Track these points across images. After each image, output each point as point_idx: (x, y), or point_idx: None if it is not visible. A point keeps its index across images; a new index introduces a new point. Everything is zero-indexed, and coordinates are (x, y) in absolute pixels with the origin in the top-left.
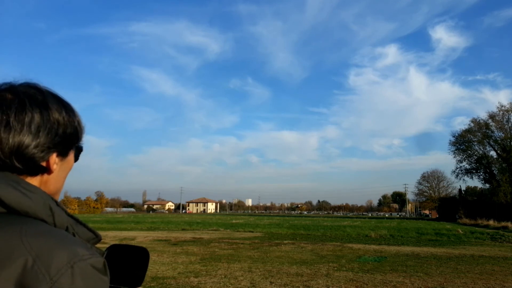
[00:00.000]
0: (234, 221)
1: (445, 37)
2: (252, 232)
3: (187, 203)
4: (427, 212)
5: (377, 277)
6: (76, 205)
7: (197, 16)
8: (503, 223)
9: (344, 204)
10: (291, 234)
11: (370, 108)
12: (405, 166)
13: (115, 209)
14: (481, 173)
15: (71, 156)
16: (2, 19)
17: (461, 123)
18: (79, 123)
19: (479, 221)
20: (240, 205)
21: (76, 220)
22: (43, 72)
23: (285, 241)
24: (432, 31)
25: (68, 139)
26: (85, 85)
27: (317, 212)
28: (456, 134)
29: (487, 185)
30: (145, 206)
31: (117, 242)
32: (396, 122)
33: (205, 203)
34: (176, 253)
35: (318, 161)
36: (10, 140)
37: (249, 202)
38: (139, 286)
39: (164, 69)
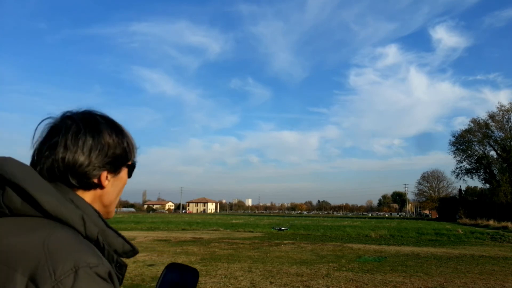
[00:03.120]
0: (234, 221)
1: (446, 37)
2: (252, 232)
3: (187, 203)
4: (427, 212)
5: (377, 277)
6: None
7: (197, 16)
8: (503, 223)
9: (344, 204)
10: (291, 234)
11: (371, 108)
12: (405, 166)
13: (115, 209)
14: (481, 173)
15: (124, 173)
16: (3, 19)
17: (461, 123)
18: (128, 144)
19: (479, 221)
20: (240, 205)
21: (116, 233)
22: (44, 72)
23: (285, 241)
24: (432, 31)
25: (117, 158)
26: (85, 85)
27: (317, 212)
28: (456, 134)
29: (487, 185)
30: (145, 206)
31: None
32: (396, 122)
33: (205, 203)
34: (176, 253)
35: (318, 161)
36: (66, 159)
37: (249, 202)
38: None
39: (164, 69)
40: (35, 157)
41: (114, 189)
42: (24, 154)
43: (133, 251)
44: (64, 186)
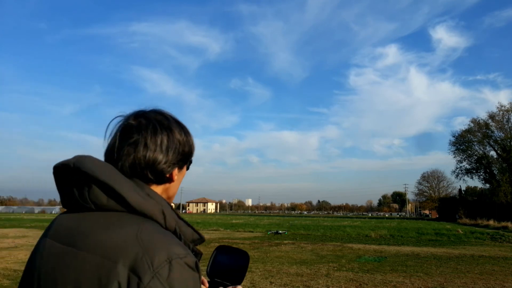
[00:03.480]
0: (234, 221)
1: (446, 37)
2: (252, 232)
3: (187, 203)
4: (427, 212)
5: (377, 277)
6: None
7: (197, 16)
8: (503, 223)
9: (344, 204)
10: (291, 234)
11: (371, 108)
12: (405, 166)
13: None
14: (481, 173)
15: (185, 168)
16: (3, 19)
17: (461, 123)
18: (192, 142)
19: (479, 221)
20: (240, 205)
21: (185, 223)
22: (44, 72)
23: (285, 241)
24: (432, 31)
25: (186, 155)
26: (86, 85)
27: (317, 212)
28: (456, 134)
29: (487, 185)
30: None
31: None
32: (396, 122)
33: (205, 203)
34: None
35: (318, 161)
36: (147, 157)
37: (249, 202)
38: (239, 284)
39: (164, 69)
40: (116, 155)
41: (178, 182)
42: (23, 154)
43: (200, 239)
44: (140, 181)
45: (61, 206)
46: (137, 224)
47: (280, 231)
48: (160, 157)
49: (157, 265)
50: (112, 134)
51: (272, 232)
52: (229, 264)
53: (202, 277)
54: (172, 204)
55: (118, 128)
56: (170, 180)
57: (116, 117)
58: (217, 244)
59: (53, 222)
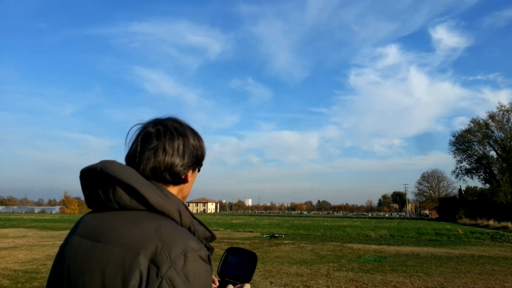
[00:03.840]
0: (234, 221)
1: (446, 37)
2: (252, 232)
3: (187, 203)
4: (427, 212)
5: (377, 277)
6: (76, 205)
7: (198, 16)
8: (503, 223)
9: (344, 204)
10: (291, 234)
11: (371, 108)
12: (405, 166)
13: None
14: (481, 173)
15: (197, 170)
16: (3, 19)
17: (462, 123)
18: (204, 146)
19: (479, 221)
20: (240, 205)
21: (198, 221)
22: (44, 72)
23: (285, 241)
24: (432, 31)
25: (199, 159)
26: (86, 85)
27: (317, 212)
28: (456, 134)
29: (487, 185)
30: None
31: None
32: (396, 122)
33: (205, 203)
34: None
35: (318, 161)
36: (166, 161)
37: (249, 202)
38: (248, 282)
39: (165, 69)
40: (137, 159)
41: (191, 183)
42: (23, 154)
43: (212, 237)
44: (158, 183)
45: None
46: (157, 221)
47: (277, 234)
48: (177, 160)
49: (174, 256)
50: (133, 141)
51: (267, 236)
52: (238, 264)
53: (213, 276)
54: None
55: (138, 135)
56: (185, 181)
57: (135, 125)
58: (217, 244)
59: (80, 221)
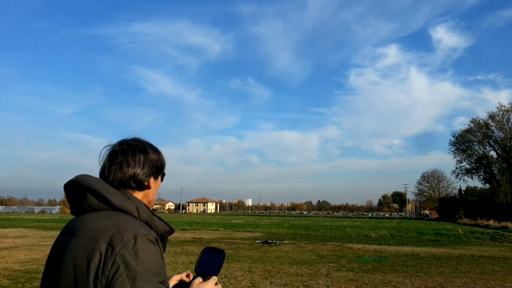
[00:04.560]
0: (234, 221)
1: (446, 37)
2: (252, 232)
3: (187, 203)
4: (427, 212)
5: (377, 277)
6: None
7: (198, 16)
8: (503, 223)
9: (344, 204)
10: (291, 234)
11: (371, 108)
12: (405, 166)
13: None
14: (481, 173)
15: (159, 178)
16: (3, 19)
17: (462, 123)
18: (163, 159)
19: (479, 221)
20: (240, 205)
21: (159, 218)
22: (44, 72)
23: (285, 241)
24: (433, 32)
25: (158, 168)
26: (86, 85)
27: (317, 212)
28: (456, 134)
29: (487, 185)
30: None
31: None
32: (396, 122)
33: (205, 203)
34: (176, 253)
35: (318, 161)
36: (129, 172)
37: (249, 202)
38: (215, 275)
39: (165, 70)
40: (106, 172)
41: (154, 189)
42: (22, 154)
43: (171, 230)
44: (124, 190)
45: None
46: (117, 216)
47: (270, 241)
48: (139, 170)
49: (126, 239)
50: (103, 158)
51: (260, 242)
52: (211, 261)
53: (188, 271)
54: (156, 207)
55: (106, 153)
56: (148, 187)
57: (105, 146)
58: (217, 244)
59: (65, 225)
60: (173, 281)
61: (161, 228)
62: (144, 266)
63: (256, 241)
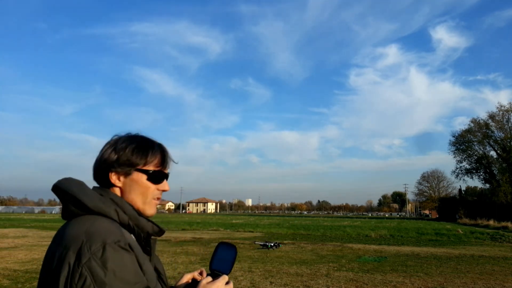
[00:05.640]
0: (234, 221)
1: (446, 38)
2: (252, 232)
3: (187, 203)
4: (427, 212)
5: (377, 277)
6: None
7: (198, 17)
8: (503, 223)
9: (344, 204)
10: (291, 234)
11: (371, 108)
12: (405, 166)
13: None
14: (481, 173)
15: (138, 177)
16: (3, 19)
17: (462, 123)
18: (132, 151)
19: (479, 221)
20: (240, 205)
21: (147, 220)
22: (44, 72)
23: (285, 241)
24: (433, 32)
25: (120, 164)
26: (86, 85)
27: (317, 212)
28: (456, 134)
29: (487, 185)
30: None
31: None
32: (396, 122)
33: (205, 203)
34: (176, 253)
35: (318, 161)
36: (94, 167)
37: (249, 202)
38: (227, 274)
39: (165, 70)
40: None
41: (128, 188)
42: (22, 154)
43: (160, 231)
44: (106, 190)
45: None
46: (92, 221)
47: (270, 243)
48: (98, 165)
49: (93, 248)
50: None
51: (259, 244)
52: (225, 257)
53: (202, 269)
54: (154, 210)
55: None
56: (113, 184)
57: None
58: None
59: None
60: (185, 279)
61: (149, 229)
62: (114, 277)
63: (255, 242)
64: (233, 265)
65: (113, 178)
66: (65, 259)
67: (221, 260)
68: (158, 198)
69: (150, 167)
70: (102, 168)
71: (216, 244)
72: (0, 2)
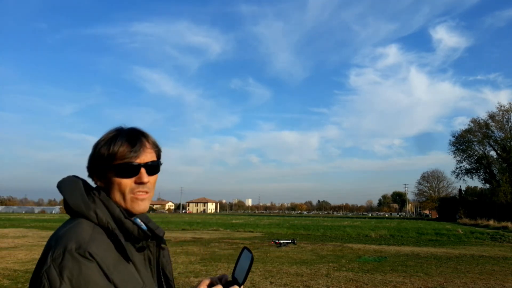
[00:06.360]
0: (234, 221)
1: (446, 37)
2: (252, 232)
3: (187, 203)
4: (427, 212)
5: (377, 277)
6: None
7: (198, 17)
8: (503, 223)
9: (344, 204)
10: (291, 234)
11: (371, 108)
12: (405, 166)
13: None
14: (481, 173)
15: (109, 175)
16: (3, 19)
17: (462, 123)
18: (95, 153)
19: (479, 221)
20: (240, 205)
21: (133, 222)
22: (44, 72)
23: (274, 246)
24: (433, 32)
25: (92, 166)
26: (86, 85)
27: (317, 212)
28: (456, 134)
29: (487, 185)
30: None
31: None
32: (396, 122)
33: (205, 203)
34: (176, 253)
35: (318, 161)
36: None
37: (249, 202)
38: (240, 283)
39: (165, 70)
40: None
41: (110, 190)
42: (22, 154)
43: (145, 236)
44: (100, 190)
45: (60, 206)
46: (71, 224)
47: (285, 240)
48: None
49: (55, 255)
50: None
51: (276, 241)
52: (244, 264)
53: (224, 274)
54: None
55: None
56: (99, 185)
57: None
58: (217, 244)
59: None
60: (203, 285)
61: (134, 232)
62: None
63: (274, 240)
64: (248, 274)
65: (96, 181)
66: (39, 264)
67: (241, 267)
68: (140, 192)
69: (117, 161)
70: (88, 173)
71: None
72: (0, 2)
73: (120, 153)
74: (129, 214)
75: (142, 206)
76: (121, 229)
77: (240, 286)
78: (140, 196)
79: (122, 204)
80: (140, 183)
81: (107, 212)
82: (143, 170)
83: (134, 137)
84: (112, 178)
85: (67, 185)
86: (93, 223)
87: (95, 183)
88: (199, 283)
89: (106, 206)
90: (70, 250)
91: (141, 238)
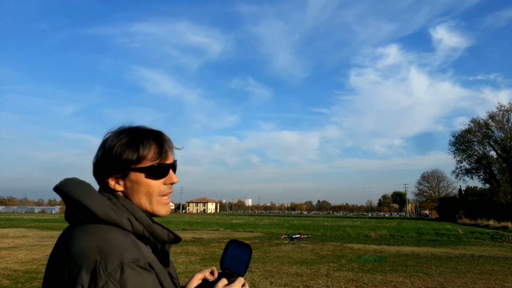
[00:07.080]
0: (234, 221)
1: (446, 38)
2: (252, 232)
3: (187, 203)
4: (427, 212)
5: (377, 277)
6: None
7: (198, 17)
8: (503, 223)
9: (344, 204)
10: (291, 234)
11: (371, 108)
12: (405, 166)
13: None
14: (481, 173)
15: (137, 176)
16: (4, 19)
17: (462, 123)
18: (119, 154)
19: (479, 221)
20: (240, 205)
21: (162, 227)
22: (45, 72)
23: (285, 241)
24: (433, 32)
25: (113, 167)
26: (86, 85)
27: (317, 212)
28: (456, 134)
29: (487, 185)
30: None
31: None
32: (396, 122)
33: (205, 203)
34: (176, 253)
35: (318, 161)
36: (92, 169)
37: (249, 202)
38: (242, 275)
39: (165, 69)
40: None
41: (130, 191)
42: (22, 154)
43: (176, 239)
44: (116, 193)
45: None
46: (103, 234)
47: (297, 235)
48: (94, 167)
49: (110, 270)
50: None
51: (287, 237)
52: (237, 256)
53: (213, 268)
54: (167, 209)
55: None
56: (109, 188)
57: None
58: (217, 244)
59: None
60: (196, 280)
61: (164, 237)
62: None
63: (284, 236)
64: (248, 266)
65: (112, 183)
66: (77, 279)
67: (235, 260)
68: (167, 194)
69: (147, 162)
70: (98, 174)
71: (224, 242)
72: (0, 2)
73: (152, 154)
74: (152, 220)
75: (166, 209)
76: (152, 234)
77: (243, 277)
78: (165, 200)
79: (148, 208)
80: (171, 183)
81: (138, 217)
82: (171, 171)
83: (161, 138)
84: (141, 180)
85: (83, 190)
86: (125, 230)
87: (112, 187)
88: (191, 278)
89: (129, 211)
90: (129, 262)
91: (171, 242)
